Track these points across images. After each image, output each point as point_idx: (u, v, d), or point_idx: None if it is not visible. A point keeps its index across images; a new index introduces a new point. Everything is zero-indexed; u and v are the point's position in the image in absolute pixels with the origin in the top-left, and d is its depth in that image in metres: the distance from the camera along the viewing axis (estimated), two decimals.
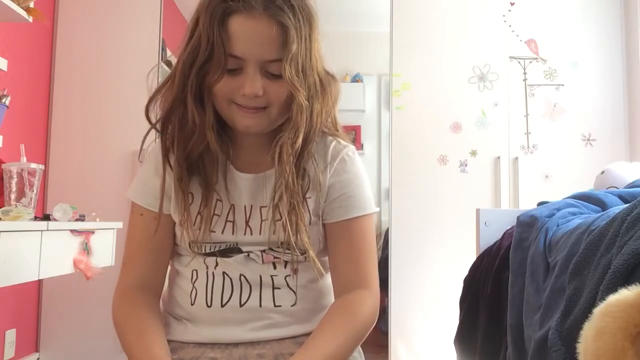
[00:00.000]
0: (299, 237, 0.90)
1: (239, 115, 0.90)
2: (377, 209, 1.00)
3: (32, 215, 1.77)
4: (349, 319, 0.90)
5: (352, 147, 1.00)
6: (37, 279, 1.69)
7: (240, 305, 0.93)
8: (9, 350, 2.46)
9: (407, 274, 2.78)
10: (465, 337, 1.62)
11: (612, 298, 0.59)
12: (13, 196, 1.84)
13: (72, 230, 1.86)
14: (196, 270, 0.96)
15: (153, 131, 0.97)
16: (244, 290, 0.93)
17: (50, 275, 1.78)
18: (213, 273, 0.94)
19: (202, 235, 0.93)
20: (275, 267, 0.95)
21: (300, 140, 0.90)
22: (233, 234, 0.95)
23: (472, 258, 1.74)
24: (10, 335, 2.48)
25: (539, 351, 1.02)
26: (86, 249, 1.94)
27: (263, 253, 0.94)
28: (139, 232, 0.98)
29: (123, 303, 0.95)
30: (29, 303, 2.66)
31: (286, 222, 0.90)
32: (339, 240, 0.96)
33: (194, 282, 0.96)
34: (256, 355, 0.90)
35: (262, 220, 0.94)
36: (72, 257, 1.87)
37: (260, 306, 0.93)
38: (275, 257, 0.94)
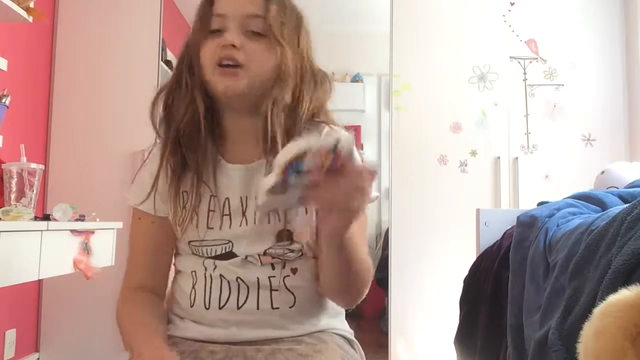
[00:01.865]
0: (292, 221, 0.92)
1: (219, 78, 0.92)
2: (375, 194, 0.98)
3: (32, 215, 1.77)
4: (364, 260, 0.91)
5: (344, 132, 1.00)
6: (37, 279, 1.69)
7: (238, 308, 0.93)
8: (9, 350, 2.46)
9: (407, 274, 2.78)
10: (465, 337, 1.62)
11: (612, 298, 0.59)
12: (13, 196, 1.84)
13: (72, 230, 1.86)
14: (195, 272, 0.97)
15: (152, 135, 0.99)
16: (242, 292, 0.93)
17: (50, 275, 1.78)
18: (211, 275, 0.94)
19: (200, 233, 0.94)
20: (273, 268, 0.94)
21: (289, 92, 0.92)
22: (230, 227, 0.95)
23: (472, 258, 1.74)
24: (10, 335, 2.47)
25: (539, 351, 1.02)
26: (86, 249, 1.94)
27: (260, 256, 0.94)
28: (139, 236, 1.00)
29: (124, 304, 0.97)
30: (29, 303, 2.66)
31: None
32: None
33: (194, 284, 0.96)
34: (254, 350, 0.90)
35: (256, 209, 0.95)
36: (72, 257, 1.87)
37: (258, 309, 0.93)
38: (273, 258, 0.94)
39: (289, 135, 0.92)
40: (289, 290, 0.94)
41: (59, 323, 2.71)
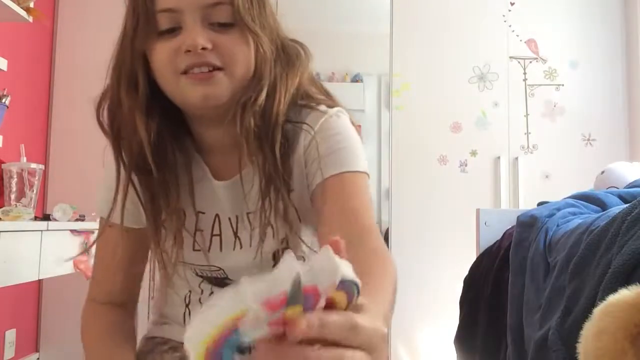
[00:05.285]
0: (293, 232, 0.79)
1: (190, 87, 0.74)
2: (366, 171, 0.80)
3: (32, 215, 1.77)
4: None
5: (332, 111, 0.81)
6: (37, 279, 1.69)
7: None
8: (9, 350, 2.45)
9: (407, 274, 2.77)
10: (465, 337, 1.62)
11: (612, 298, 0.59)
12: (13, 196, 1.84)
13: (72, 230, 1.86)
14: (190, 292, 0.89)
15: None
16: None
17: (50, 275, 1.78)
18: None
19: (182, 256, 0.82)
20: None
21: (264, 94, 0.74)
22: (221, 250, 0.84)
23: (472, 258, 1.74)
24: (10, 335, 2.47)
25: (539, 351, 1.02)
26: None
27: None
28: (109, 247, 0.86)
29: (92, 321, 0.96)
30: (29, 303, 2.66)
31: (275, 213, 0.76)
32: (323, 204, 0.75)
33: (188, 304, 0.90)
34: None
35: (251, 230, 0.81)
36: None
37: None
38: None
39: (262, 141, 0.76)
40: None
41: (59, 323, 2.71)
